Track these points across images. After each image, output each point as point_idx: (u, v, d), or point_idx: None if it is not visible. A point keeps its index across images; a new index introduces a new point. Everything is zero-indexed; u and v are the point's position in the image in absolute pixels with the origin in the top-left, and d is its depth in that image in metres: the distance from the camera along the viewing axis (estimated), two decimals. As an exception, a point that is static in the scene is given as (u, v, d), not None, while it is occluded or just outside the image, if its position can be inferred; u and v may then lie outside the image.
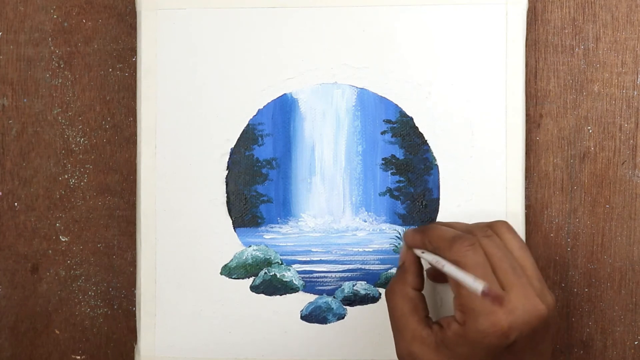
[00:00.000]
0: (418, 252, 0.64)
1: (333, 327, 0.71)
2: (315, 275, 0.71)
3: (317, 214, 0.71)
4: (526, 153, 0.71)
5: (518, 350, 0.59)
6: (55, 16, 0.74)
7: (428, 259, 0.62)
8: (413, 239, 0.64)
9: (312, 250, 0.71)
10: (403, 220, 0.71)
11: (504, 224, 0.63)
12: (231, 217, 0.71)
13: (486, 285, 0.56)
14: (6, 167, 0.74)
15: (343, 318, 0.71)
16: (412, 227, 0.71)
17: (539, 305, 0.58)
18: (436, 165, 0.70)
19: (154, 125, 0.71)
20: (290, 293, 0.71)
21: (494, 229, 0.62)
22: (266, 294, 0.71)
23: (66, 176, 0.74)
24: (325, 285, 0.71)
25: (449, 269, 0.59)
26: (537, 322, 0.58)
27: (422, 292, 0.64)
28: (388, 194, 0.71)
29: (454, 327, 0.59)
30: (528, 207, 0.71)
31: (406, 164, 0.71)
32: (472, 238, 0.60)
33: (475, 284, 0.57)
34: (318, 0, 0.70)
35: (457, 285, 0.59)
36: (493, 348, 0.58)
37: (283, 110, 0.71)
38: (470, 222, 0.69)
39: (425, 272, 0.65)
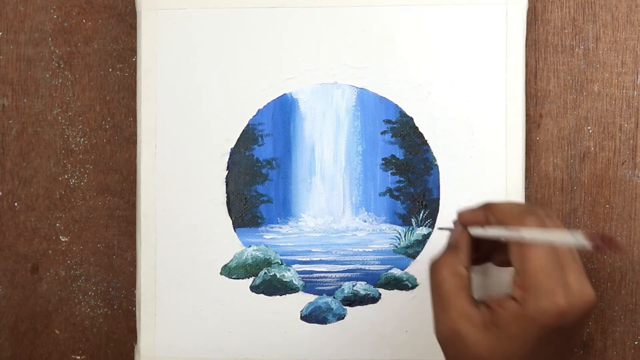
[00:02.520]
0: (477, 230, 0.62)
1: (333, 327, 0.71)
2: (315, 275, 0.71)
3: (317, 214, 0.71)
4: (526, 153, 0.71)
5: (566, 333, 0.59)
6: (55, 16, 0.74)
7: (496, 233, 0.61)
8: (474, 215, 0.63)
9: (312, 250, 0.71)
10: (403, 220, 0.71)
11: (552, 211, 0.63)
12: (231, 217, 0.71)
13: (586, 235, 0.56)
14: (6, 167, 0.74)
15: (343, 318, 0.71)
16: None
17: (591, 291, 0.58)
18: (436, 165, 0.70)
19: (154, 125, 0.71)
20: (290, 293, 0.71)
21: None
22: (266, 294, 0.71)
23: (66, 176, 0.74)
24: (325, 286, 0.71)
25: (532, 233, 0.58)
26: (588, 307, 0.58)
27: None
28: (388, 194, 0.71)
29: (511, 305, 0.58)
30: (528, 207, 0.71)
31: (406, 164, 0.71)
32: (540, 214, 0.59)
33: (577, 237, 0.56)
34: (318, 0, 0.70)
35: (522, 262, 0.58)
36: (547, 328, 0.58)
37: (283, 110, 0.71)
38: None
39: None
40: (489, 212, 0.62)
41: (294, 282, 0.71)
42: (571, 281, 0.58)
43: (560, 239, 0.57)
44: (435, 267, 0.62)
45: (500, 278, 0.63)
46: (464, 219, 0.64)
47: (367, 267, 0.71)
